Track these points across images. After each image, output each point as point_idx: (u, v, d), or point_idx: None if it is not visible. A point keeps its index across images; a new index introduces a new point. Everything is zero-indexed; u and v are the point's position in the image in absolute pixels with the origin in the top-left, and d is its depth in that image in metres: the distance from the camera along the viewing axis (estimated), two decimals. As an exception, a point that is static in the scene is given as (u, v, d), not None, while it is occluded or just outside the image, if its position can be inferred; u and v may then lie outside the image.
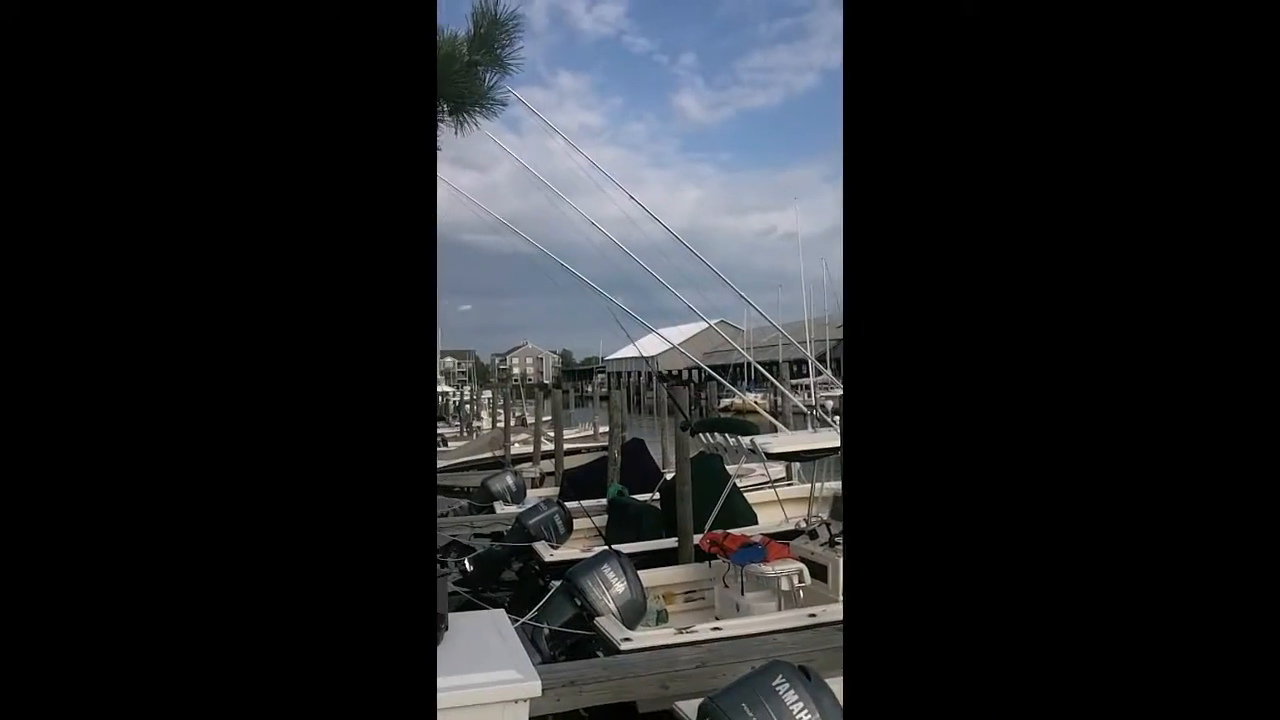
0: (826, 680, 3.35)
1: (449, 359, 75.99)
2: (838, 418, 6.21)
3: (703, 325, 15.95)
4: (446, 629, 3.02)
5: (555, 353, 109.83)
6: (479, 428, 26.14)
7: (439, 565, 8.11)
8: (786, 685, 3.10)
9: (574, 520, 8.71)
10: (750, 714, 3.01)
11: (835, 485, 7.20)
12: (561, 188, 11.72)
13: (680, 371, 47.67)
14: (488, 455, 18.49)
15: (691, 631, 5.53)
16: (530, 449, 17.34)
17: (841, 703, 3.19)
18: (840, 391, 6.92)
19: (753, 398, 20.50)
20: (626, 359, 55.88)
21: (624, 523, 8.88)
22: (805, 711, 3.02)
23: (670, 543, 7.88)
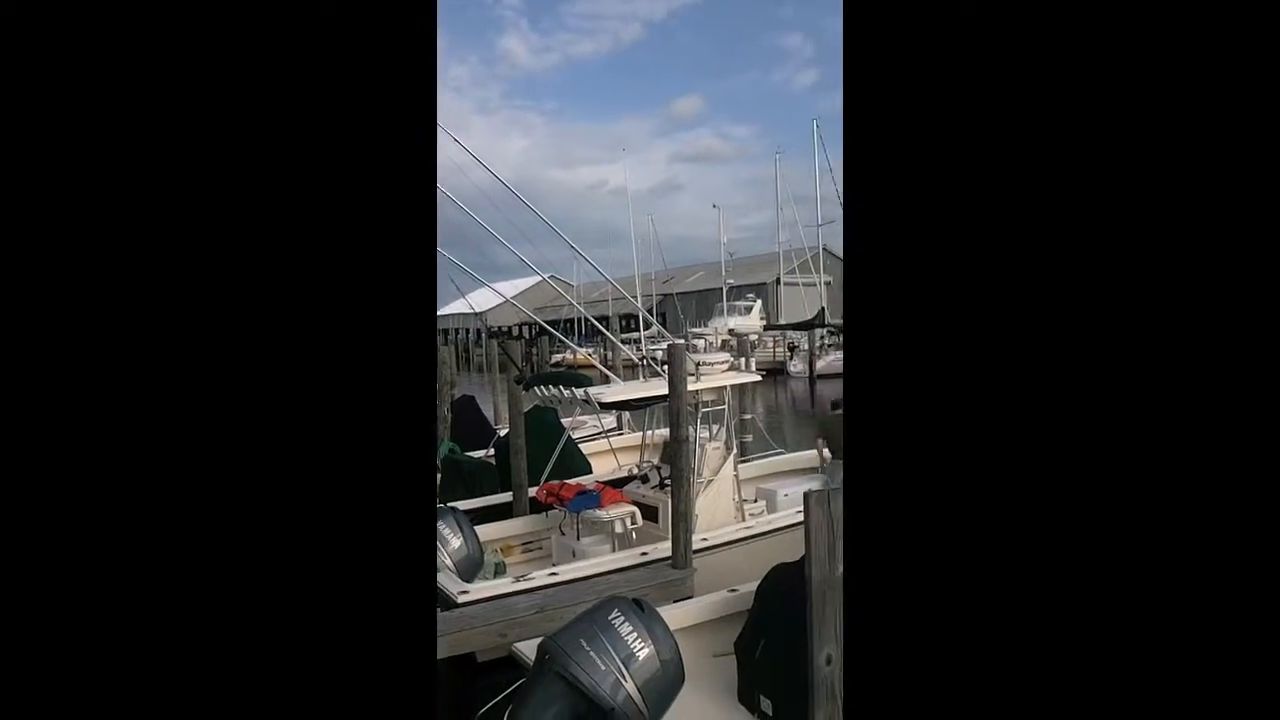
0: (659, 610, 3.56)
1: (259, 319, 69.96)
2: (665, 367, 6.47)
3: (535, 279, 15.82)
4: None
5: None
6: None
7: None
8: (621, 618, 3.27)
9: (405, 480, 8.50)
10: (588, 647, 3.14)
11: (664, 431, 7.51)
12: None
13: (511, 327, 47.10)
14: (308, 419, 17.42)
15: (528, 579, 5.63)
16: (355, 410, 16.60)
17: (672, 628, 3.41)
18: (667, 343, 7.17)
19: (585, 351, 20.68)
20: (455, 314, 54.44)
21: (458, 480, 8.79)
22: (639, 639, 3.20)
23: (505, 497, 7.91)
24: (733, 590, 4.70)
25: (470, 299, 13.64)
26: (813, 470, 8.91)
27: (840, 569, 2.60)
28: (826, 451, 8.55)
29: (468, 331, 53.88)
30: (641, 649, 3.18)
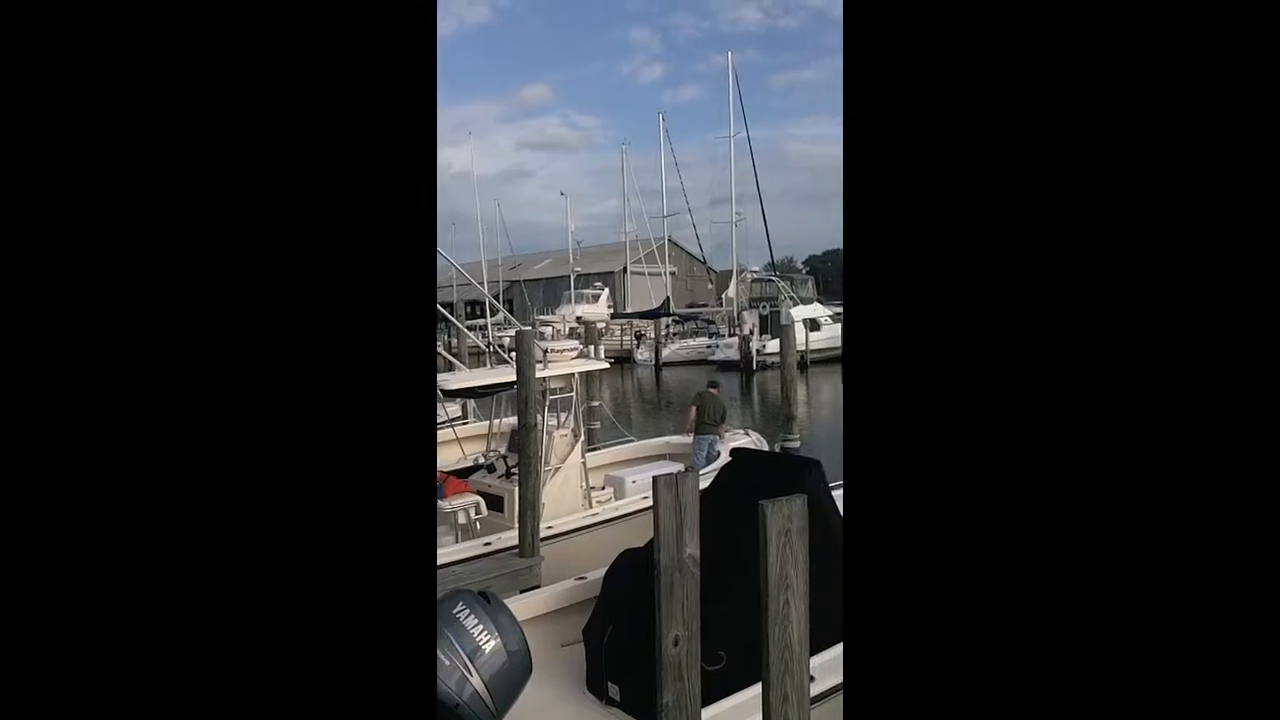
0: (505, 600, 3.48)
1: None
2: (513, 354, 6.35)
3: (372, 262, 15.01)
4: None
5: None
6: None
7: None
8: (466, 610, 3.16)
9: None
10: (431, 644, 3.02)
11: (511, 420, 7.37)
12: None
13: (348, 312, 44.63)
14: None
15: (367, 576, 5.35)
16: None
17: (519, 618, 3.35)
18: (515, 330, 7.03)
19: (428, 338, 20.05)
20: (285, 299, 50.68)
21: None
22: (484, 632, 3.11)
23: (341, 489, 7.50)
24: (580, 578, 4.69)
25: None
26: (661, 458, 9.09)
27: (689, 550, 2.63)
28: (692, 419, 8.86)
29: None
30: (488, 642, 3.10)
